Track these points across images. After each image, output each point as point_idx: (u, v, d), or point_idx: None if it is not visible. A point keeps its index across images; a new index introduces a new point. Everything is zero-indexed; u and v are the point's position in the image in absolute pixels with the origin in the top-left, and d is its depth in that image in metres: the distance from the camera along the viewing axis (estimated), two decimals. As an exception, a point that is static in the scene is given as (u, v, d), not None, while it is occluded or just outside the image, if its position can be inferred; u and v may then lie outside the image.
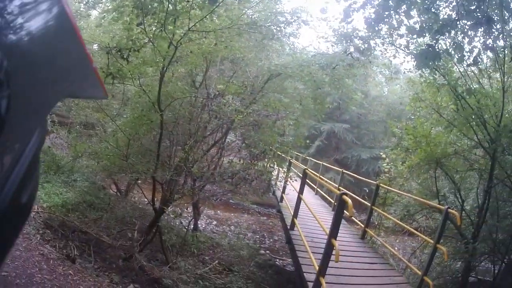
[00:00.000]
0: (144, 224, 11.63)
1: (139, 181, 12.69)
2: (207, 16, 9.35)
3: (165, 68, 9.97)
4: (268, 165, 11.85)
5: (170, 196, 10.58)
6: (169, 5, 8.29)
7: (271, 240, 17.63)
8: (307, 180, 10.18)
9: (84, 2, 27.23)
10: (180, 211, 10.84)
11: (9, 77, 0.82)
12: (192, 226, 14.05)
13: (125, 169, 11.17)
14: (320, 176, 12.89)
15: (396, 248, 14.30)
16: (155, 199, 11.05)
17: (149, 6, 8.35)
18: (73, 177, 13.39)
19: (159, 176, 10.61)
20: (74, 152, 12.47)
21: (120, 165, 11.29)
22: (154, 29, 9.34)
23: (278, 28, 12.23)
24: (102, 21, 13.32)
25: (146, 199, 12.54)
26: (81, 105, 13.99)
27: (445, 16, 8.24)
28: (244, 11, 11.15)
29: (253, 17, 11.90)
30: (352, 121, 28.63)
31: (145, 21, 8.92)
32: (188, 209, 13.10)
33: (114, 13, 10.18)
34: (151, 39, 9.33)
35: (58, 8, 1.11)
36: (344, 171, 14.60)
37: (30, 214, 1.39)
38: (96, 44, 13.46)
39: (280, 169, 14.11)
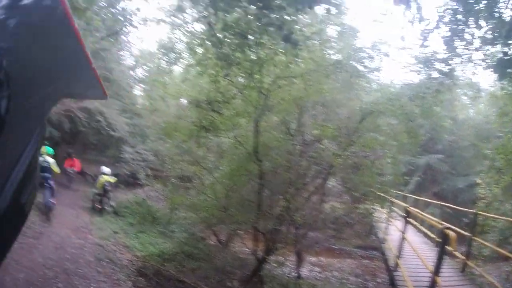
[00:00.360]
0: (245, 274, 11.49)
1: (241, 232, 12.66)
2: (293, 62, 9.35)
3: (258, 118, 9.96)
4: (369, 207, 11.44)
5: (273, 245, 10.42)
6: (252, 54, 8.26)
7: (374, 283, 16.81)
8: (408, 218, 9.74)
9: (165, 58, 28.56)
10: (283, 259, 10.66)
11: (9, 78, 0.83)
12: (295, 274, 13.76)
13: (225, 220, 11.18)
14: (421, 212, 12.31)
15: (492, 275, 13.33)
16: (257, 248, 10.89)
17: (232, 57, 8.40)
18: (171, 228, 13.63)
19: (261, 226, 10.46)
20: (171, 204, 12.70)
21: (219, 216, 11.30)
22: (241, 79, 9.38)
23: (362, 65, 11.99)
24: (188, 75, 13.71)
25: (247, 249, 12.44)
26: (176, 159, 14.36)
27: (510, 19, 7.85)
28: (326, 52, 11.05)
29: (335, 56, 11.77)
30: (445, 150, 27.19)
31: (231, 72, 8.98)
32: (291, 257, 12.88)
33: (198, 67, 10.38)
34: (240, 90, 9.37)
35: (58, 10, 1.10)
36: (442, 203, 13.90)
37: (29, 214, 1.31)
38: (184, 99, 13.89)
39: (382, 209, 13.61)
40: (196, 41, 10.18)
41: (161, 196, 16.56)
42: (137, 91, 31.13)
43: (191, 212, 12.36)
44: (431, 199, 18.70)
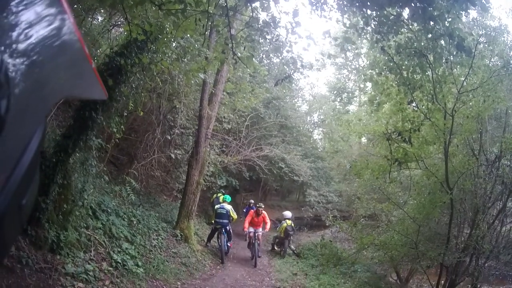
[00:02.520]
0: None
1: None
2: (470, 73, 8.89)
3: (447, 143, 9.39)
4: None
5: (455, 278, 9.95)
6: (433, 72, 7.82)
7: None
8: None
9: (338, 100, 29.20)
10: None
11: (9, 78, 0.80)
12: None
13: (414, 257, 10.68)
14: None
15: None
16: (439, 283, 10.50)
17: (414, 80, 8.00)
18: (353, 268, 13.25)
19: (447, 259, 9.94)
20: (359, 245, 12.33)
21: (409, 253, 10.82)
22: (426, 103, 8.90)
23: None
24: (370, 110, 13.53)
25: (430, 284, 11.48)
26: (363, 198, 14.14)
27: None
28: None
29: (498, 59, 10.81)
30: None
31: (414, 97, 8.61)
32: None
33: (381, 97, 10.17)
34: (426, 115, 8.90)
35: (57, 9, 1.09)
36: None
37: (29, 214, 1.40)
38: (367, 135, 13.75)
39: None
40: (375, 71, 10.07)
41: (348, 237, 16.20)
42: (316, 135, 31.97)
43: (380, 252, 11.87)
44: None
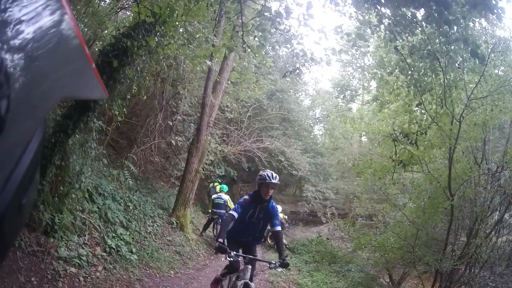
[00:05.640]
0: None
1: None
2: (481, 80, 8.71)
3: (452, 148, 9.27)
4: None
5: (450, 286, 9.81)
6: (445, 77, 7.65)
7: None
8: None
9: (342, 97, 29.17)
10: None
11: (9, 78, 0.80)
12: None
13: (410, 261, 10.55)
14: None
15: None
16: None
17: (424, 83, 7.88)
18: (347, 268, 13.23)
19: (442, 266, 9.73)
20: (356, 245, 12.26)
21: (404, 256, 10.71)
22: (434, 107, 8.76)
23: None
24: (377, 109, 13.33)
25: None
26: (362, 197, 14.02)
27: None
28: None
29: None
30: None
31: (423, 100, 8.48)
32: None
33: (390, 97, 10.04)
34: (433, 118, 8.76)
35: (58, 9, 1.07)
36: None
37: (29, 214, 1.08)
38: (370, 135, 13.64)
39: None
40: (387, 70, 9.93)
41: (344, 236, 16.15)
42: (317, 130, 31.92)
43: (376, 253, 11.81)
44: None
